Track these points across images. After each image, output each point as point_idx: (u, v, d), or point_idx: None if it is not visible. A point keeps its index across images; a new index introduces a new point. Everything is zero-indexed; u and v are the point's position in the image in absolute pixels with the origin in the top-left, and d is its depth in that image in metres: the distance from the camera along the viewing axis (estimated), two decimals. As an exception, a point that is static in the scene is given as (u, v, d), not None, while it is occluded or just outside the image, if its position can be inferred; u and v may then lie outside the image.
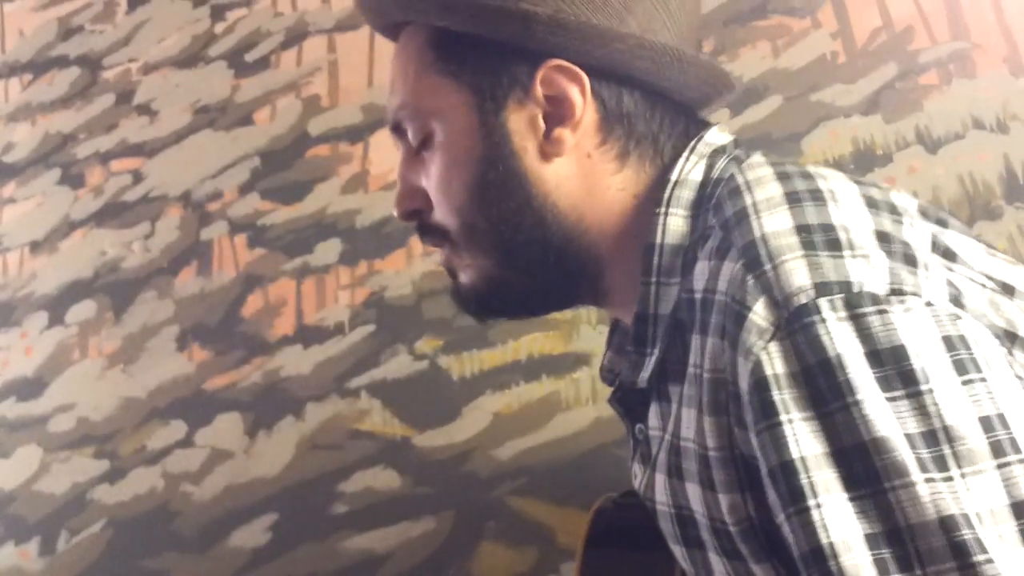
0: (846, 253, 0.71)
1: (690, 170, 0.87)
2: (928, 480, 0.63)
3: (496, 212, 0.88)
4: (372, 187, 1.78)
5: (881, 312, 0.67)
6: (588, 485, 1.49)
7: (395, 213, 0.95)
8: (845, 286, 0.69)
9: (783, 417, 0.67)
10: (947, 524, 0.62)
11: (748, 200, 0.77)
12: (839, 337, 0.67)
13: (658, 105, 0.90)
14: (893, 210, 0.77)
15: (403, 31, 0.96)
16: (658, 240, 0.85)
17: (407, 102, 0.93)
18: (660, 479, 0.84)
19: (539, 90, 0.87)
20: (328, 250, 1.77)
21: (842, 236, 0.72)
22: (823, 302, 0.68)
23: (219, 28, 2.02)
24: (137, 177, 1.97)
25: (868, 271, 0.70)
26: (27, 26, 2.20)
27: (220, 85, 1.98)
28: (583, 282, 0.91)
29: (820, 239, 0.72)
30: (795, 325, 0.68)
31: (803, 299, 0.69)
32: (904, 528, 0.63)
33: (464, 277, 0.93)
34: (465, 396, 1.60)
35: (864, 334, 0.67)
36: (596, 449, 1.50)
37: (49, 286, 1.95)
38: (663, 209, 0.85)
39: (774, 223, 0.74)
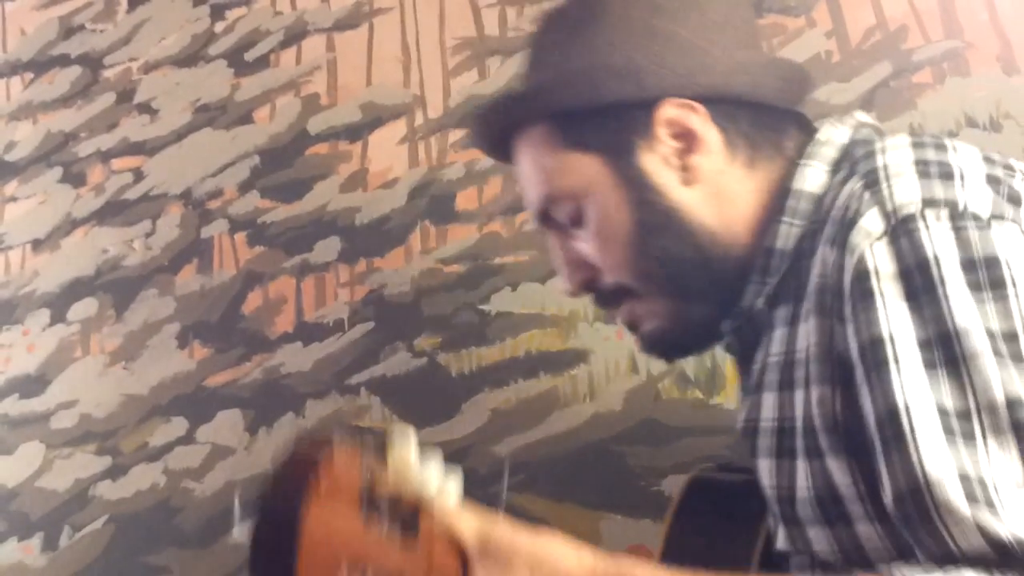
0: (956, 183, 0.78)
1: (836, 133, 0.94)
2: (1001, 364, 0.70)
3: (659, 250, 0.94)
4: (371, 185, 1.79)
5: (981, 228, 0.75)
6: (585, 481, 1.50)
7: (570, 291, 1.01)
8: (951, 203, 0.76)
9: (879, 301, 0.75)
10: (1013, 404, 0.69)
11: (878, 145, 0.85)
12: (939, 242, 0.75)
13: (764, 112, 0.97)
14: (1008, 167, 0.84)
15: (521, 138, 1.01)
16: (795, 185, 0.92)
17: (548, 191, 0.99)
18: (769, 397, 0.90)
19: (661, 130, 0.94)
20: (327, 248, 1.78)
21: (956, 171, 0.80)
22: (929, 212, 0.76)
23: (219, 27, 2.03)
24: (138, 175, 1.99)
25: (974, 198, 0.77)
26: (28, 25, 2.21)
27: (220, 84, 1.99)
28: (743, 281, 0.97)
29: (935, 170, 0.80)
30: (900, 230, 0.76)
31: (911, 209, 0.77)
32: (973, 406, 0.70)
33: (648, 325, 0.99)
34: (464, 393, 1.61)
35: (963, 242, 0.75)
36: (593, 445, 1.51)
37: (51, 284, 1.96)
38: (804, 160, 0.93)
39: (896, 156, 0.82)
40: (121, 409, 1.82)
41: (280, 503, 0.59)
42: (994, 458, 0.68)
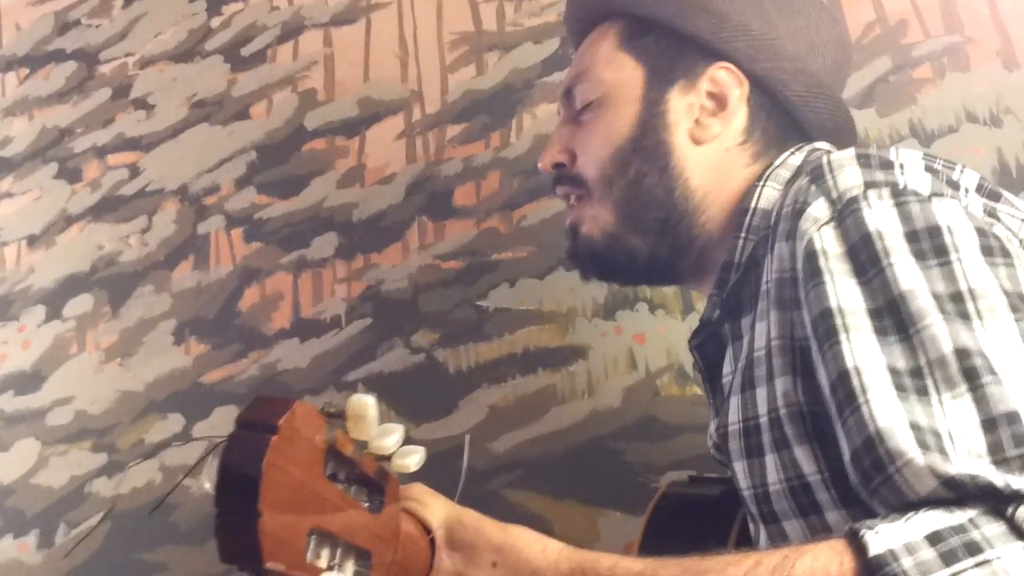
0: (896, 170, 0.81)
1: (792, 157, 0.99)
2: (948, 321, 0.71)
3: (634, 171, 1.00)
4: (368, 181, 1.79)
5: (922, 201, 0.78)
6: (583, 478, 1.49)
7: (540, 164, 1.07)
8: (892, 183, 0.80)
9: (827, 277, 0.77)
10: (960, 353, 0.70)
11: (825, 159, 0.87)
12: (881, 217, 0.77)
13: (791, 124, 1.03)
14: (948, 164, 0.87)
15: (600, 26, 1.09)
16: (753, 204, 0.96)
17: (585, 69, 1.06)
18: (734, 401, 0.92)
19: (704, 84, 1.01)
20: (325, 244, 1.78)
21: (895, 161, 0.83)
22: (871, 192, 0.79)
23: (215, 22, 2.02)
24: (134, 171, 1.98)
25: (914, 179, 0.80)
26: (24, 20, 2.20)
27: (216, 79, 1.98)
28: (688, 257, 1.01)
29: (876, 161, 0.83)
30: (845, 212, 0.79)
31: (854, 192, 0.80)
32: (924, 364, 0.71)
33: (585, 228, 1.03)
34: (461, 389, 1.60)
35: (904, 216, 0.77)
36: (592, 442, 1.51)
37: (47, 280, 1.95)
38: (762, 182, 0.97)
39: (840, 154, 0.85)
40: (117, 406, 1.81)
41: (241, 456, 0.58)
42: (949, 410, 0.68)
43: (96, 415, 1.82)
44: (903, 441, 0.68)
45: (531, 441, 1.54)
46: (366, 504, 0.73)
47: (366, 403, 0.69)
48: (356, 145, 1.82)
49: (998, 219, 0.81)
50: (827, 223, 0.80)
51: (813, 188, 0.83)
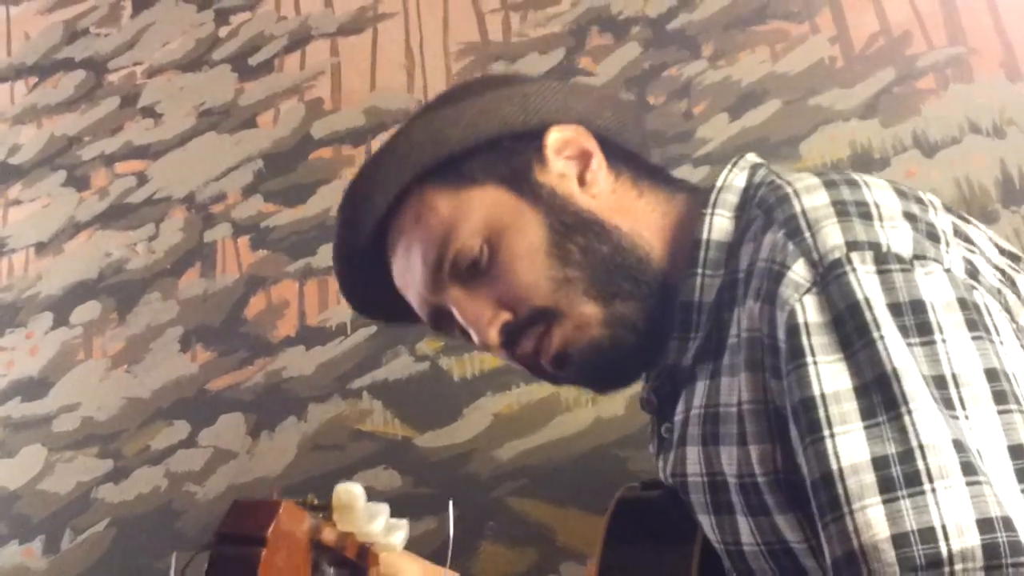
0: (876, 223, 0.78)
1: (734, 178, 0.94)
2: (939, 409, 0.68)
3: (579, 250, 0.93)
4: (374, 190, 1.79)
5: (905, 270, 0.74)
6: (588, 486, 1.50)
7: (486, 343, 0.95)
8: (875, 245, 0.76)
9: (808, 359, 0.73)
10: (959, 444, 0.67)
11: (789, 189, 0.83)
12: (867, 284, 0.74)
13: (620, 149, 1.01)
14: (919, 200, 0.83)
15: (400, 213, 0.99)
16: (704, 236, 0.92)
17: (441, 237, 0.95)
18: (692, 451, 0.88)
19: (551, 153, 0.97)
20: (331, 252, 1.78)
21: (873, 210, 0.79)
22: (854, 255, 0.75)
23: (223, 32, 2.04)
24: (142, 179, 1.99)
25: (896, 237, 0.77)
26: (33, 29, 2.21)
27: (224, 88, 1.99)
28: (673, 298, 0.94)
29: (854, 211, 0.79)
30: (828, 277, 0.75)
31: (836, 254, 0.76)
32: (916, 447, 0.67)
33: (577, 343, 0.94)
34: (466, 397, 1.61)
35: (888, 286, 0.74)
36: (596, 450, 1.51)
37: (54, 287, 1.96)
38: (709, 210, 0.93)
39: (813, 200, 0.80)
40: (123, 412, 1.82)
41: (231, 561, 0.58)
42: (943, 500, 0.65)
43: (102, 421, 1.82)
44: (887, 565, 0.65)
45: (535, 449, 1.54)
46: None
47: (354, 494, 0.68)
48: (362, 153, 1.83)
49: (978, 279, 0.78)
50: (809, 291, 0.76)
51: (791, 247, 0.78)
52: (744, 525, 0.84)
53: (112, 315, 1.90)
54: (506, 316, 0.94)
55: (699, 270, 0.91)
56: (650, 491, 1.08)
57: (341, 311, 1.74)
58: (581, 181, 0.97)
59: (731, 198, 0.93)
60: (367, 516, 0.70)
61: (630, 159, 1.01)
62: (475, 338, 0.96)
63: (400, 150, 0.97)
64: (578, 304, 0.92)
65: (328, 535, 0.67)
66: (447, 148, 0.95)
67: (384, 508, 0.71)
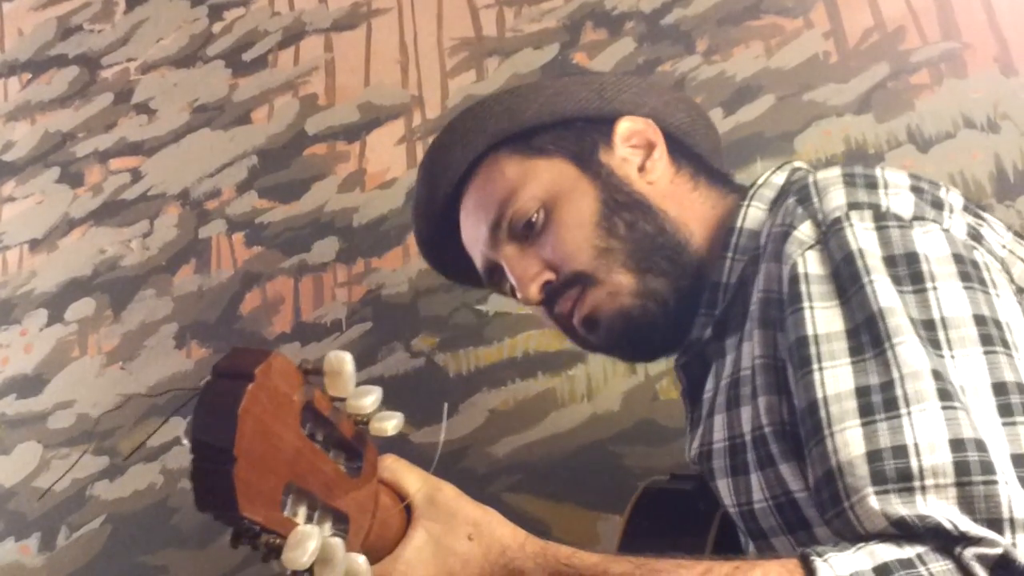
0: (880, 190, 0.84)
1: (774, 176, 1.01)
2: (923, 344, 0.73)
3: (625, 226, 1.00)
4: (369, 185, 1.79)
5: (902, 227, 0.80)
6: (583, 482, 1.50)
7: (526, 298, 1.03)
8: (874, 206, 0.82)
9: (805, 304, 0.79)
10: (938, 373, 0.71)
11: (811, 178, 0.89)
12: (863, 238, 0.79)
13: (685, 148, 1.09)
14: (933, 183, 0.88)
15: (474, 176, 1.07)
16: (738, 224, 0.99)
17: (505, 196, 1.03)
18: (718, 419, 0.93)
19: (618, 140, 1.05)
20: (325, 248, 1.78)
21: (880, 180, 0.85)
22: (854, 213, 0.81)
23: (217, 28, 2.03)
24: (136, 176, 1.98)
25: (897, 201, 0.82)
26: (26, 25, 2.21)
27: (218, 84, 1.99)
28: (703, 281, 1.01)
29: (861, 181, 0.85)
30: (829, 233, 0.81)
31: (837, 213, 0.82)
32: (897, 377, 0.72)
33: (607, 308, 1.00)
34: (461, 393, 1.61)
35: (884, 241, 0.79)
36: (591, 445, 1.51)
37: (49, 284, 1.96)
38: (746, 202, 1.00)
39: (825, 174, 0.88)
40: (119, 409, 1.81)
41: (216, 401, 0.58)
42: (917, 422, 0.70)
43: (98, 418, 1.82)
44: (860, 478, 0.70)
45: (531, 445, 1.55)
46: (345, 465, 0.72)
47: (343, 359, 0.69)
48: (357, 150, 1.83)
49: (980, 243, 0.82)
50: (812, 247, 0.82)
51: (800, 210, 0.85)
52: (756, 481, 0.87)
53: (107, 312, 1.90)
54: (549, 275, 1.02)
55: (729, 254, 0.98)
56: (676, 483, 1.14)
57: (336, 308, 1.74)
58: (641, 168, 1.04)
59: (768, 193, 1.00)
60: (358, 390, 0.71)
61: (693, 158, 1.08)
62: (519, 293, 1.04)
63: (479, 119, 1.06)
64: (614, 272, 0.99)
65: (322, 404, 0.67)
66: (522, 121, 1.04)
67: (376, 389, 0.72)
